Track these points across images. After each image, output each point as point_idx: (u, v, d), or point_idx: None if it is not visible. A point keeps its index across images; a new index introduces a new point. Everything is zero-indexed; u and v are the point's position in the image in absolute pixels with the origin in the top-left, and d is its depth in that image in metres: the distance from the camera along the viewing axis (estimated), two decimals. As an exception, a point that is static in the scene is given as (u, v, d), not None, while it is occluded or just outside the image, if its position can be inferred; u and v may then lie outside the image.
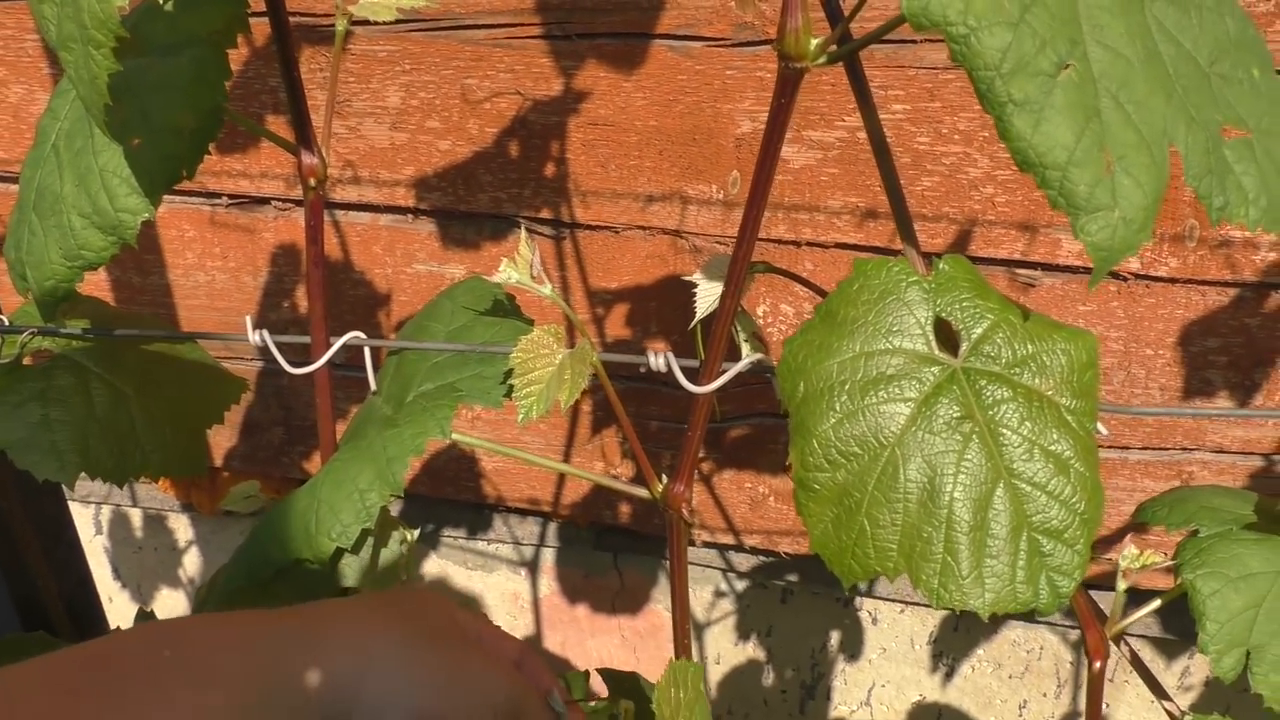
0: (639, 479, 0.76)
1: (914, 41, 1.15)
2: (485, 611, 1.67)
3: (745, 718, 1.64)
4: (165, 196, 1.44)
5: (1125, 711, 1.48)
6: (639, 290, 1.34)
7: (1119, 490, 1.32)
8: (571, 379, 0.67)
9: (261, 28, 1.28)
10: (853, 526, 0.59)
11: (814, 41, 0.56)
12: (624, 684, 1.08)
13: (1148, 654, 1.42)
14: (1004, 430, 0.59)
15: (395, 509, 1.62)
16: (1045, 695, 1.50)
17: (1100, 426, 0.61)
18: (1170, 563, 0.69)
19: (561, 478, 1.49)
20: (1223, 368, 1.23)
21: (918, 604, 1.52)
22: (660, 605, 1.58)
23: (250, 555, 0.76)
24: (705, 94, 1.23)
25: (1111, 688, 1.47)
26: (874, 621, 1.54)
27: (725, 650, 1.60)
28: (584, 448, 1.46)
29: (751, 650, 1.60)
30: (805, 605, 1.55)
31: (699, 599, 1.58)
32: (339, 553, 0.76)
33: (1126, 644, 0.77)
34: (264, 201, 1.40)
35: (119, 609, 1.80)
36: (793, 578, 1.53)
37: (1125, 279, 1.22)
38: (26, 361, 0.87)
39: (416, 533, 0.84)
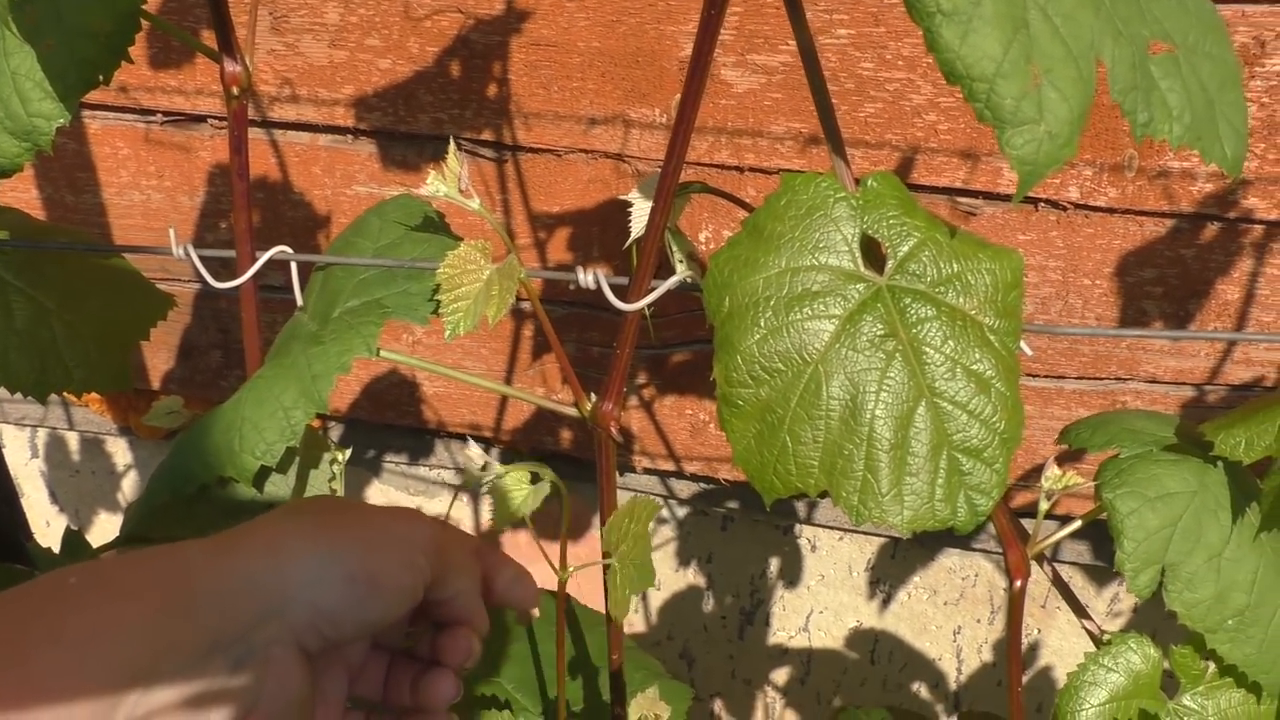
0: (593, 412, 0.76)
1: (859, -36, 1.14)
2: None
3: (685, 643, 1.65)
4: (98, 113, 1.40)
5: (1056, 636, 1.50)
6: (581, 214, 1.33)
7: (1054, 420, 1.34)
8: (499, 294, 0.66)
9: (195, -62, 1.25)
10: (775, 442, 0.59)
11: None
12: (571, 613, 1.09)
13: (1079, 581, 1.44)
14: (927, 349, 0.58)
15: (336, 434, 1.61)
16: (979, 621, 1.52)
17: (1024, 346, 0.61)
18: (1092, 484, 0.69)
19: (503, 403, 1.49)
20: (1158, 298, 1.24)
21: (856, 531, 1.54)
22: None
23: (173, 471, 0.75)
24: (649, 15, 1.21)
25: (1043, 614, 1.49)
26: (813, 549, 1.55)
27: (665, 576, 1.61)
28: (525, 373, 1.45)
29: (691, 577, 1.61)
30: (745, 533, 1.56)
31: (640, 526, 1.58)
32: (264, 471, 0.75)
33: (1050, 565, 0.78)
34: (200, 119, 1.37)
35: (56, 533, 1.78)
36: (733, 504, 1.54)
37: (1064, 208, 1.22)
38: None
39: (348, 453, 0.83)
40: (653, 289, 0.66)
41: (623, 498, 1.56)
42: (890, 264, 0.60)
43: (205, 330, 1.53)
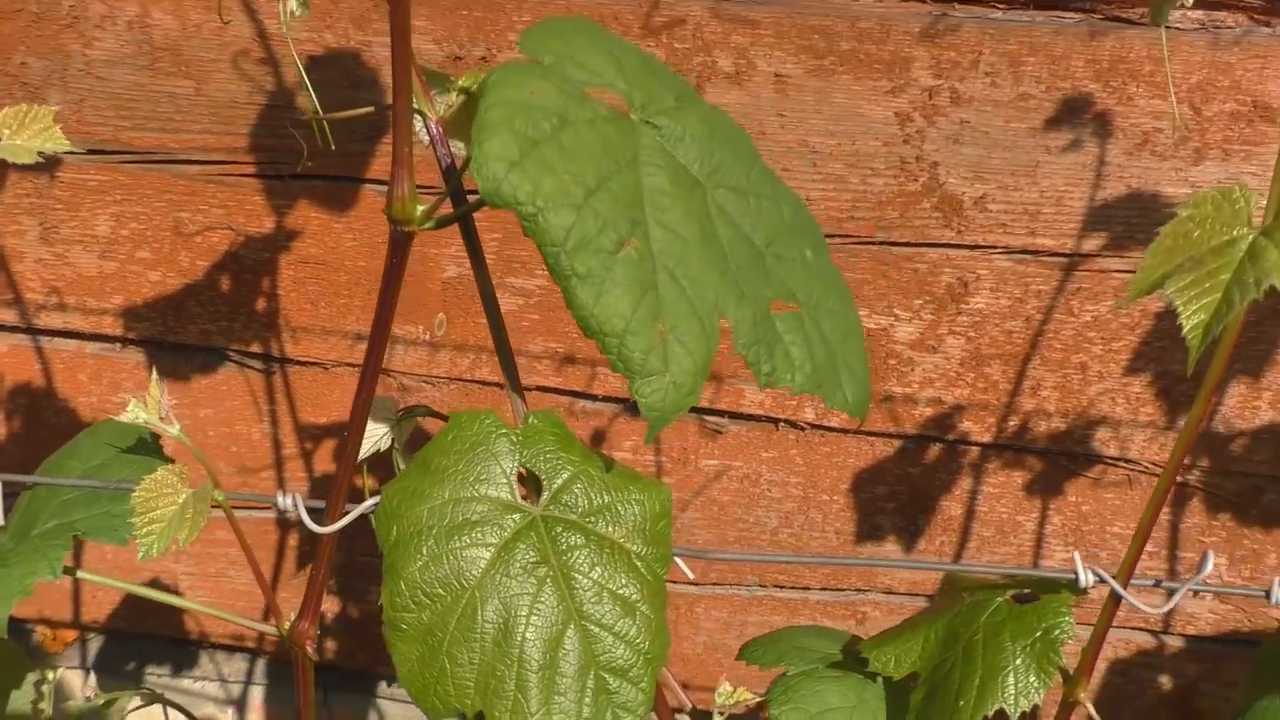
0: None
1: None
2: None
3: None
4: None
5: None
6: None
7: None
8: (193, 517, 0.68)
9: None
10: (435, 664, 0.62)
11: (420, 208, 0.61)
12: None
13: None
14: (576, 574, 0.63)
15: (95, 645, 1.57)
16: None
17: (685, 569, 0.66)
18: (761, 698, 0.74)
19: (266, 614, 1.48)
20: (890, 513, 1.32)
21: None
22: (367, 744, 1.56)
23: None
24: (385, 235, 1.27)
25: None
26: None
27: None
28: (290, 582, 1.45)
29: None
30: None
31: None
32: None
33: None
34: (-37, 324, 1.37)
35: None
36: None
37: (802, 428, 1.31)
38: None
39: (59, 672, 0.83)
40: (347, 512, 0.70)
41: (388, 708, 1.56)
42: (545, 495, 0.65)
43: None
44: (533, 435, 0.66)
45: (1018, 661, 0.69)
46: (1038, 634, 0.70)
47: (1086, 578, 0.73)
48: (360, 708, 1.56)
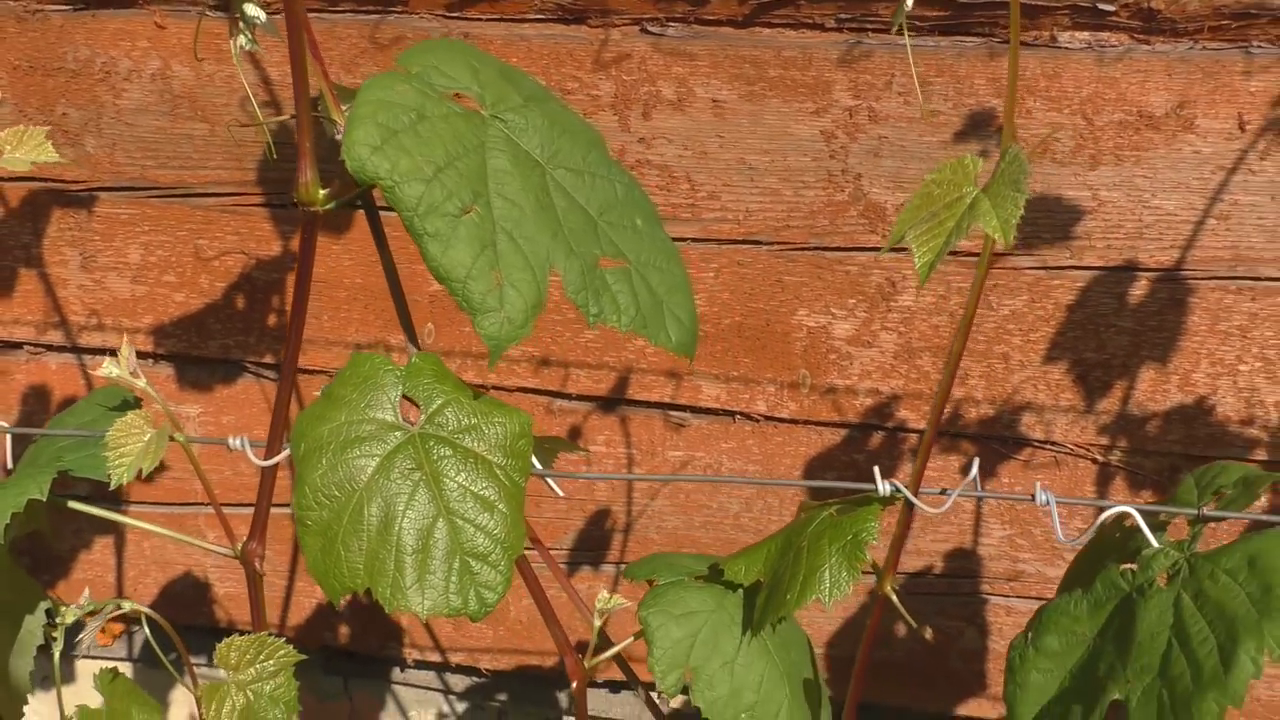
0: (242, 550, 0.93)
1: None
2: None
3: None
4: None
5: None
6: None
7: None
8: (155, 451, 0.84)
9: (16, 190, 1.47)
10: (333, 553, 0.76)
11: (322, 191, 0.77)
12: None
13: None
14: (445, 478, 0.77)
15: (138, 639, 1.73)
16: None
17: (555, 487, 0.80)
18: (634, 605, 0.87)
19: (286, 601, 1.64)
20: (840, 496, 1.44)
21: (618, 723, 1.68)
22: (382, 725, 1.71)
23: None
24: (402, 255, 1.43)
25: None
26: (575, 738, 1.68)
27: (443, 769, 1.72)
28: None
29: (466, 768, 1.72)
30: (518, 725, 1.70)
31: (423, 722, 1.71)
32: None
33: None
34: (16, 346, 1.56)
35: None
36: (503, 697, 1.68)
37: (757, 420, 1.44)
38: None
39: (71, 608, 0.98)
40: (285, 449, 0.85)
41: (403, 693, 1.70)
42: (422, 418, 0.80)
43: None
44: (415, 371, 0.81)
45: (833, 560, 0.81)
46: (849, 537, 0.82)
47: (885, 488, 0.86)
48: (377, 692, 1.70)
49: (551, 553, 1.53)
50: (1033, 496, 0.84)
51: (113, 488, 0.83)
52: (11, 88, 1.43)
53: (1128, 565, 0.79)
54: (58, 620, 0.96)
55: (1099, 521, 0.81)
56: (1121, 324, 1.32)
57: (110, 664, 1.19)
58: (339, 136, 0.78)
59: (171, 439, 0.85)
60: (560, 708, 1.68)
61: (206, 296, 1.49)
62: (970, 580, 1.46)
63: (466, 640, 1.60)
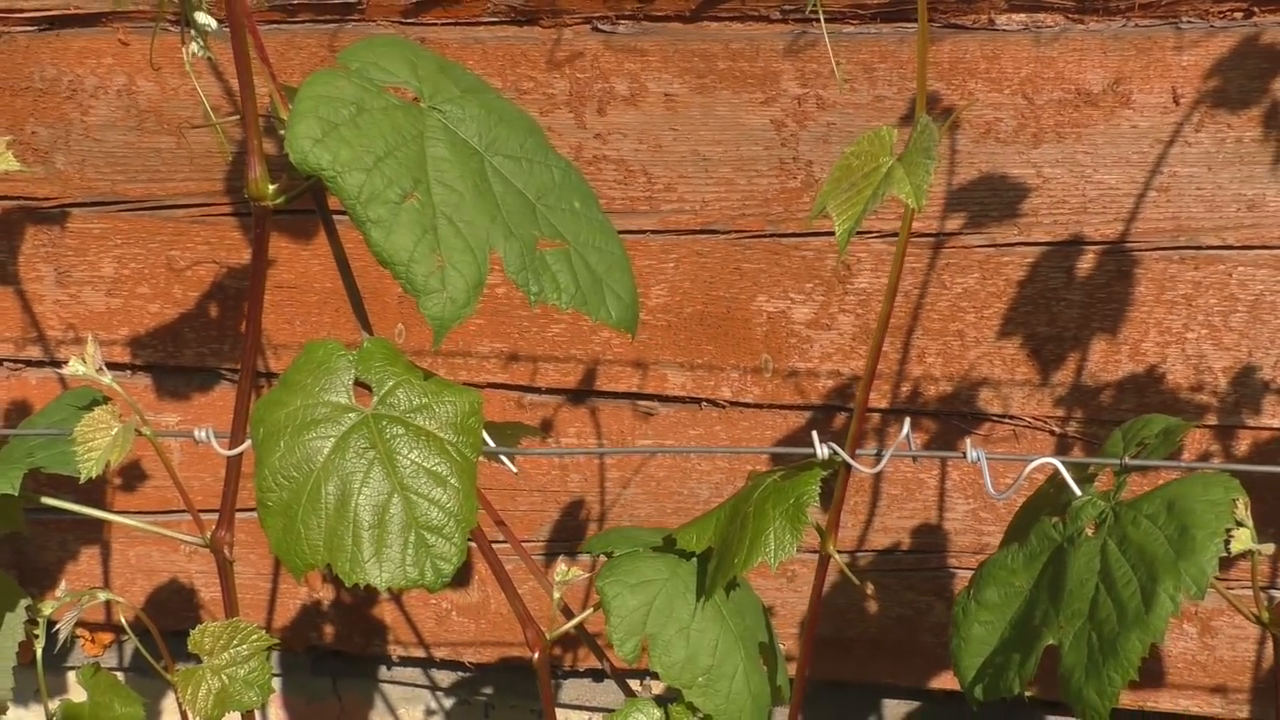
0: (211, 538, 0.96)
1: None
2: None
3: (455, 829, 1.78)
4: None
5: None
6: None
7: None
8: (121, 444, 0.87)
9: (-11, 209, 1.50)
10: (294, 531, 0.79)
11: (271, 187, 0.80)
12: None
13: None
14: (398, 456, 0.80)
15: (129, 648, 1.76)
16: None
17: (509, 464, 0.83)
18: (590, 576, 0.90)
19: (271, 603, 1.67)
20: (804, 477, 1.47)
21: (606, 708, 1.71)
22: (370, 723, 1.73)
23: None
24: (368, 260, 1.46)
25: None
26: (560, 728, 1.71)
27: (432, 764, 1.75)
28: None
29: (455, 762, 1.75)
30: (505, 718, 1.73)
31: (412, 718, 1.74)
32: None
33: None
34: (-4, 361, 1.59)
35: None
36: (489, 691, 1.71)
37: (723, 406, 1.47)
38: None
39: (51, 608, 1.01)
40: (248, 440, 0.88)
41: (391, 691, 1.73)
42: (375, 399, 0.83)
43: None
44: (366, 355, 0.84)
45: (777, 523, 0.85)
46: (791, 501, 0.85)
47: (823, 451, 0.89)
48: (365, 691, 1.73)
49: (527, 545, 1.56)
50: (964, 454, 0.87)
51: (82, 481, 0.86)
52: (-19, 109, 1.46)
53: (1059, 518, 0.82)
54: (37, 617, 0.99)
55: (1022, 475, 0.84)
56: (1071, 297, 1.36)
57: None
58: (283, 132, 0.81)
59: (138, 433, 0.88)
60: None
61: (180, 306, 1.52)
62: (938, 555, 1.49)
63: (449, 635, 1.63)
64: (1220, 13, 1.23)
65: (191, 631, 0.96)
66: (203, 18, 0.86)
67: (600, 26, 1.35)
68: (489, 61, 1.37)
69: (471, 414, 0.82)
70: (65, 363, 1.53)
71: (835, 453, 0.90)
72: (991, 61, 1.30)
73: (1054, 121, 1.31)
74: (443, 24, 1.37)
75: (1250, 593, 0.87)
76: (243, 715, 1.02)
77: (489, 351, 1.48)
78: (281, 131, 0.79)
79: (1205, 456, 1.37)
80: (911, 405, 1.43)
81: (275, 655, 1.74)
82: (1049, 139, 1.31)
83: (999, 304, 1.38)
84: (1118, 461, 0.83)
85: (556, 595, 0.91)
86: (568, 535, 1.55)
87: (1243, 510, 0.75)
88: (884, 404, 1.44)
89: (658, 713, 0.93)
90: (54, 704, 0.98)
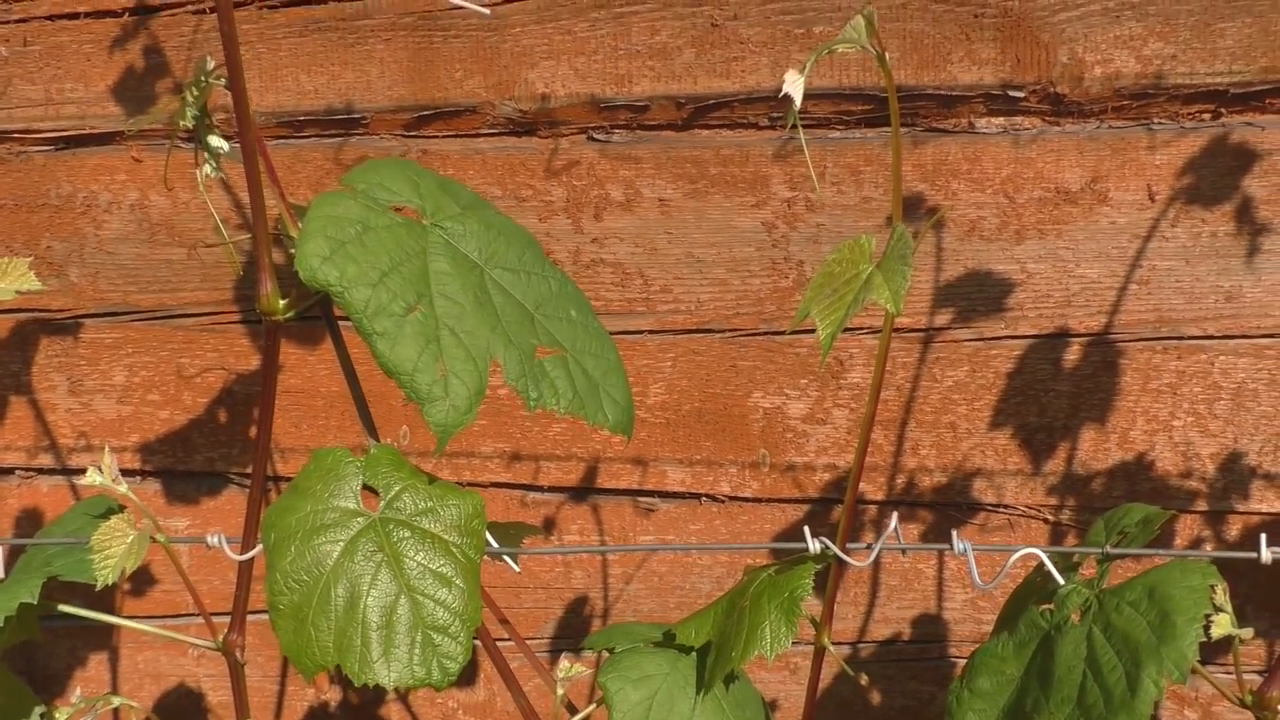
0: (223, 642, 0.98)
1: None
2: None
3: None
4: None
5: None
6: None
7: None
8: (137, 551, 0.90)
9: (4, 322, 1.54)
10: (304, 633, 0.82)
11: (282, 302, 0.84)
12: None
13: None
14: (405, 558, 0.83)
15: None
16: None
17: (512, 563, 0.86)
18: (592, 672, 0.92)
19: (279, 709, 1.68)
20: (803, 570, 1.50)
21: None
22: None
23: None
24: (373, 364, 1.50)
25: None
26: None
27: None
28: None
29: None
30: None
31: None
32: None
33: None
34: (9, 472, 1.62)
35: None
36: (495, 791, 1.71)
37: (722, 501, 1.50)
38: None
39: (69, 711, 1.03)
40: (259, 545, 0.91)
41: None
42: (382, 504, 0.86)
43: None
44: (373, 462, 0.87)
45: (772, 617, 0.87)
46: (785, 595, 0.88)
47: (814, 546, 0.92)
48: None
49: (532, 643, 1.58)
50: (950, 545, 0.90)
51: (99, 588, 0.88)
52: (-2, 225, 1.51)
53: (1046, 605, 0.85)
54: (52, 723, 1.01)
55: (1006, 565, 0.86)
56: (1059, 388, 1.39)
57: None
58: (293, 249, 0.86)
59: (153, 540, 0.91)
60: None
61: (190, 412, 1.55)
62: (938, 644, 1.51)
63: (455, 734, 1.64)
64: (1189, 114, 1.28)
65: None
66: (216, 140, 0.90)
67: (596, 136, 1.40)
68: (489, 171, 1.42)
69: (475, 516, 0.85)
70: (80, 471, 1.57)
71: (827, 547, 0.93)
72: (973, 163, 1.35)
73: (1035, 219, 1.35)
74: (444, 136, 1.43)
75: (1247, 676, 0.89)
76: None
77: (492, 451, 1.52)
78: (291, 250, 0.83)
79: (1197, 542, 1.39)
80: (907, 496, 1.46)
81: (282, 758, 1.75)
82: (1031, 236, 1.35)
83: (989, 396, 1.41)
84: (1100, 550, 0.86)
85: (560, 692, 0.93)
86: (572, 631, 1.57)
87: (1221, 595, 0.78)
88: (880, 495, 1.47)
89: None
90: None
